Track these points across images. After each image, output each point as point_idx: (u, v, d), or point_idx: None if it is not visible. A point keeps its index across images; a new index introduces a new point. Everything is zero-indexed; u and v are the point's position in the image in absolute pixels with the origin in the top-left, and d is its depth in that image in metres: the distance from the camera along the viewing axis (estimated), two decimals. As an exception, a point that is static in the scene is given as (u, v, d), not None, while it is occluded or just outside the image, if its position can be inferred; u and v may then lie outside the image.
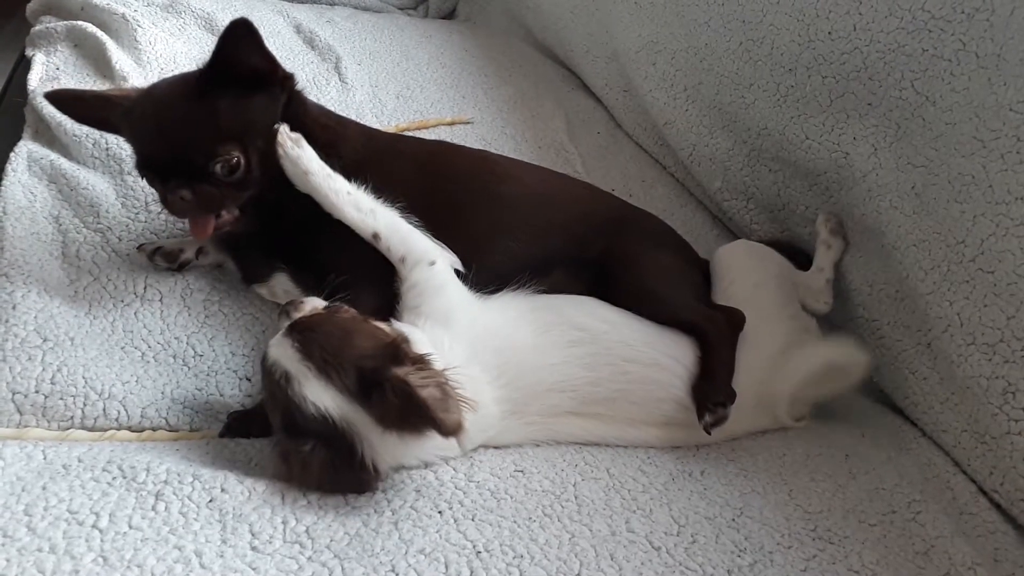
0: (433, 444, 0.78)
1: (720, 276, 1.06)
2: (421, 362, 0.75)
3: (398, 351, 0.76)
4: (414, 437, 0.75)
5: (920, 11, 0.95)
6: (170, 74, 1.34)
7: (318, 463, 0.73)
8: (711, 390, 0.89)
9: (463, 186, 1.02)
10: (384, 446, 0.75)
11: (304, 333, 0.77)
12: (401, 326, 0.85)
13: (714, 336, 0.93)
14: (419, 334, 0.84)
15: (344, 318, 0.81)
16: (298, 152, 0.89)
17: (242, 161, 0.87)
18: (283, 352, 0.76)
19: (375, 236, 0.90)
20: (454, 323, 0.87)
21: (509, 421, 0.86)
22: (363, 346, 0.76)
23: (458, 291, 0.91)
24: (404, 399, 0.71)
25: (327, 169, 0.90)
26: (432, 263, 0.90)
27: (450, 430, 0.71)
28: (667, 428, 0.92)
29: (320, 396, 0.73)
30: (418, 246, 0.90)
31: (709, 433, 0.89)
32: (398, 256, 0.90)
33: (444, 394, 0.72)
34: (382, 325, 0.83)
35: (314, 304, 0.83)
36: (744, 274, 1.05)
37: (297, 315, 0.81)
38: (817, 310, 1.09)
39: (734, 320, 0.96)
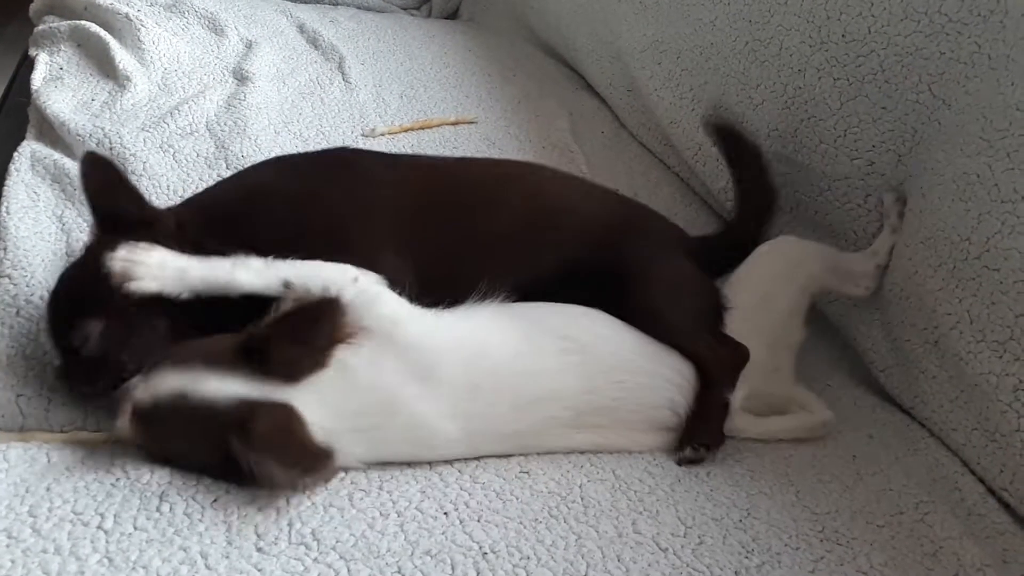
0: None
1: (738, 274, 1.03)
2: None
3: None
4: (306, 373, 0.74)
5: (936, 14, 0.95)
6: (173, 73, 1.35)
7: None
8: (702, 431, 0.88)
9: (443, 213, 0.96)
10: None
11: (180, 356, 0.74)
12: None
13: (715, 373, 0.91)
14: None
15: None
16: (144, 269, 0.77)
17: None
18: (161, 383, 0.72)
19: (287, 285, 0.79)
20: (402, 334, 0.80)
21: (481, 439, 0.82)
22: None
23: (396, 299, 0.83)
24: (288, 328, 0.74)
25: (197, 261, 0.80)
26: (355, 279, 0.80)
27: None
28: (666, 432, 0.90)
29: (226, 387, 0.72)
30: (332, 271, 0.81)
31: (680, 464, 0.87)
32: (319, 291, 0.79)
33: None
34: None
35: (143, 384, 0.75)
36: (759, 282, 1.01)
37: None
38: (852, 295, 1.07)
39: (738, 357, 0.93)
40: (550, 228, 0.99)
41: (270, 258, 0.81)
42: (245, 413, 0.70)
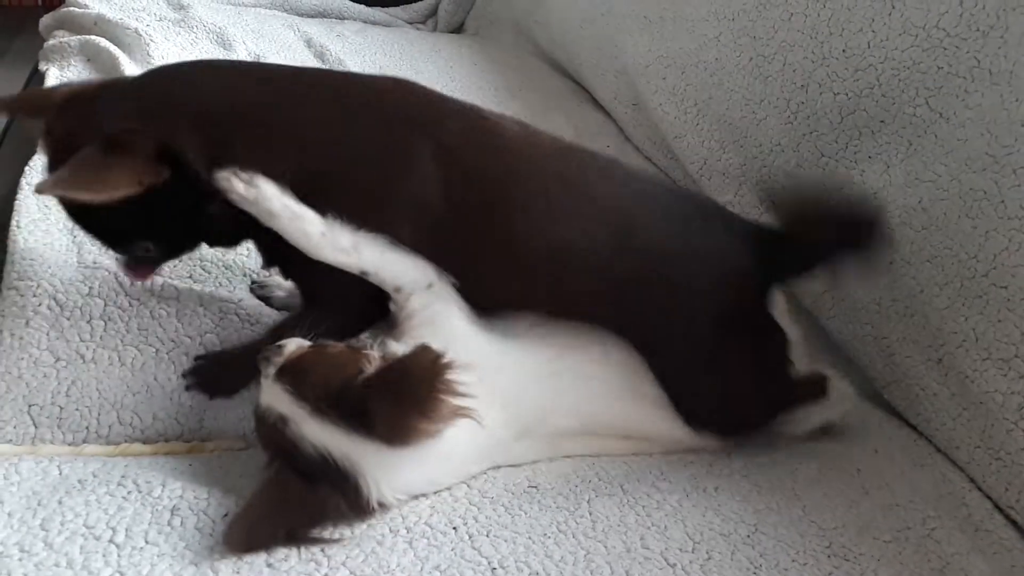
0: (434, 457, 0.75)
1: None
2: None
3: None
4: (414, 439, 0.70)
5: (935, 29, 0.96)
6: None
7: (329, 503, 0.71)
8: None
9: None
10: (386, 473, 0.72)
11: (296, 375, 0.74)
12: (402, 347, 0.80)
13: None
14: None
15: (335, 353, 0.77)
16: (255, 193, 0.79)
17: None
18: (276, 396, 0.73)
19: (364, 273, 0.82)
20: (466, 347, 0.82)
21: (522, 444, 0.85)
22: (354, 372, 0.73)
23: (462, 313, 0.86)
24: (386, 387, 0.69)
25: (294, 206, 0.80)
26: (429, 285, 0.84)
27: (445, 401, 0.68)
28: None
29: (318, 434, 0.71)
30: (412, 273, 0.84)
31: None
32: (392, 287, 0.84)
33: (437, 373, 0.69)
34: (375, 354, 0.78)
35: (298, 344, 0.79)
36: None
37: (281, 359, 0.76)
38: None
39: None
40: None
41: (361, 235, 0.81)
42: (326, 468, 0.72)
